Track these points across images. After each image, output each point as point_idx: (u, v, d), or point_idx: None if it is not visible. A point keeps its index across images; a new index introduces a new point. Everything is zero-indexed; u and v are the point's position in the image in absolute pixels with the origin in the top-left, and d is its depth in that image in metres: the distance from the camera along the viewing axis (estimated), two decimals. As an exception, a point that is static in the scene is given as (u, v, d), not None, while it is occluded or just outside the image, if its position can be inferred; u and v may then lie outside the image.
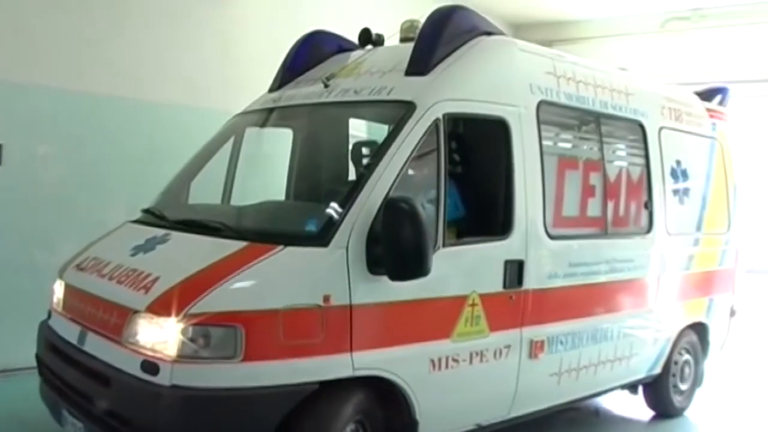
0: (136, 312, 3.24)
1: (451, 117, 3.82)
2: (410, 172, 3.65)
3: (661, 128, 5.28)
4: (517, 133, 4.12)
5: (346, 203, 3.41)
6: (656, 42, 9.31)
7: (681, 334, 5.54)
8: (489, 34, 4.26)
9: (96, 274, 3.74)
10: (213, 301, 3.08)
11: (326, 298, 3.24)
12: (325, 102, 4.22)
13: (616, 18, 9.50)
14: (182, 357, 3.05)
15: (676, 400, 5.73)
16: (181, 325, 3.06)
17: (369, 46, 4.70)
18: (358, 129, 4.81)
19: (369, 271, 3.36)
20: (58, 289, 4.09)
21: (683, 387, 5.76)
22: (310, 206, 4.00)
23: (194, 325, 3.05)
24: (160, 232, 3.82)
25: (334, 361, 3.28)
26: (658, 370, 5.42)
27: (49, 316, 4.14)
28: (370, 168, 3.54)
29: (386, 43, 4.73)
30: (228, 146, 4.74)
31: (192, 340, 3.06)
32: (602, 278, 4.71)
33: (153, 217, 4.20)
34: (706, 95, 6.05)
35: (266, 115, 4.66)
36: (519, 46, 4.38)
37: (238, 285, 3.13)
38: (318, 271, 3.28)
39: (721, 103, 6.12)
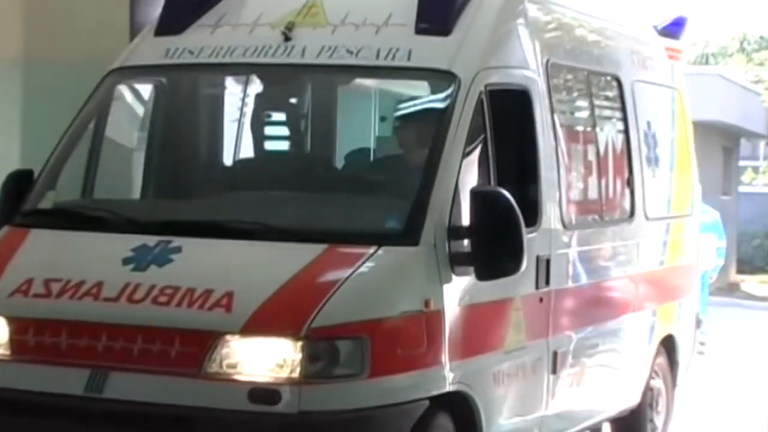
0: (223, 335, 4.81)
1: (492, 89, 5.82)
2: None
3: (633, 82, 7.82)
4: (537, 103, 6.26)
5: (423, 195, 5.30)
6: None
7: (657, 351, 8.10)
8: None
9: (90, 298, 5.12)
10: (335, 312, 4.80)
11: (427, 303, 5.13)
12: (310, 64, 5.97)
13: None
14: (308, 378, 4.72)
15: (654, 441, 8.23)
16: (303, 342, 4.73)
17: None
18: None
19: (451, 269, 5.31)
20: None
21: (658, 423, 8.25)
22: (371, 199, 5.78)
23: (319, 340, 4.75)
24: (149, 239, 5.31)
25: (436, 373, 5.17)
26: (637, 400, 7.87)
27: None
28: (435, 156, 5.43)
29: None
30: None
31: (316, 357, 4.75)
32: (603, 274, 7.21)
33: (96, 220, 5.66)
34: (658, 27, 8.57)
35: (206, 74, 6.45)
36: None
37: (354, 292, 4.91)
38: (416, 272, 5.17)
39: (676, 36, 8.71)
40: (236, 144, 6.74)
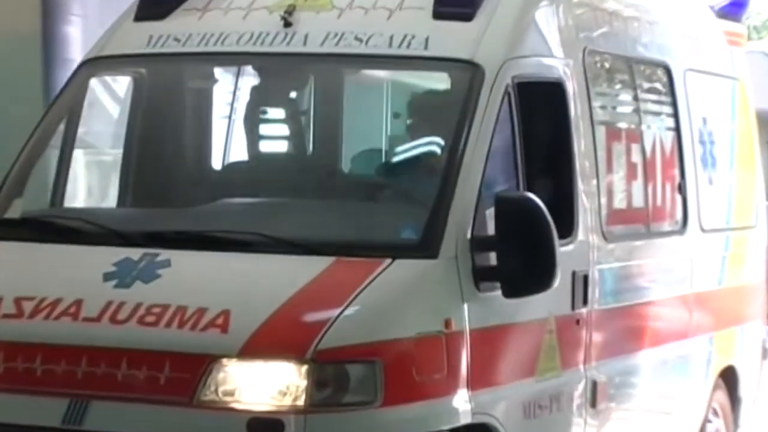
0: (219, 358, 5.21)
1: (520, 82, 6.22)
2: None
3: (686, 71, 8.18)
4: (572, 97, 6.67)
5: (442, 202, 5.70)
6: None
7: (714, 385, 8.44)
8: None
9: (68, 318, 5.49)
10: (344, 332, 5.19)
11: (447, 323, 5.52)
12: (313, 53, 6.37)
13: None
14: (315, 406, 5.08)
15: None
16: (308, 366, 5.10)
17: None
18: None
19: (475, 285, 5.71)
20: None
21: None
22: (383, 206, 6.20)
23: (327, 364, 5.13)
24: (133, 251, 5.71)
25: (457, 402, 5.54)
26: None
27: None
28: (455, 157, 5.83)
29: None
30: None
31: (324, 383, 5.13)
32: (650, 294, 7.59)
33: (72, 231, 6.04)
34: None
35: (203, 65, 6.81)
36: None
37: (365, 310, 5.29)
38: (435, 288, 5.57)
39: (737, 18, 9.06)
40: (228, 145, 7.11)
